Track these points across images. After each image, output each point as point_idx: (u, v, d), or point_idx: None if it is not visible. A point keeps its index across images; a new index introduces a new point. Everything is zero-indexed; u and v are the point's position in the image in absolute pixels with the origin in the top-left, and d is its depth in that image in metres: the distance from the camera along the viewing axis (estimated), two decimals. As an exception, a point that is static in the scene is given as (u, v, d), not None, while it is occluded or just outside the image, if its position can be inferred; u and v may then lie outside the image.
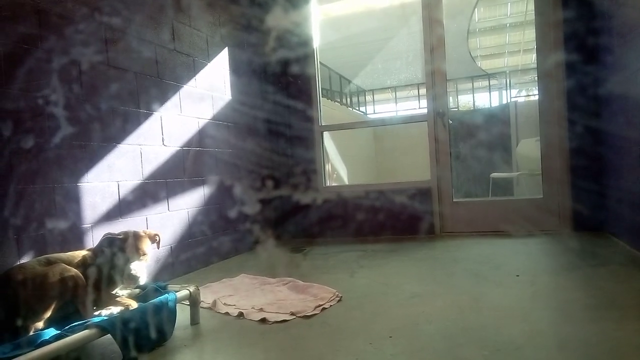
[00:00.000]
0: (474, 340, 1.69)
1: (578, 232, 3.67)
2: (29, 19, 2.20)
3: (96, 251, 1.97)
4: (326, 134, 4.75)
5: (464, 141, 7.73)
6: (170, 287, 2.13)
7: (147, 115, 2.93)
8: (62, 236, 2.30)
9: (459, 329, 1.81)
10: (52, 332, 1.63)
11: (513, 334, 1.71)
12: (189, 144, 3.30)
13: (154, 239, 2.10)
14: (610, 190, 3.42)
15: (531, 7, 9.04)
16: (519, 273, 2.60)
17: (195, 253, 3.30)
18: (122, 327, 1.68)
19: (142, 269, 1.97)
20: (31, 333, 1.65)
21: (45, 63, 2.26)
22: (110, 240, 1.97)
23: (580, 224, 3.68)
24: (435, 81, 4.10)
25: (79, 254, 1.95)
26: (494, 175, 6.79)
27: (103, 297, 1.90)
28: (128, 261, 1.94)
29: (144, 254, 1.99)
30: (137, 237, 2.01)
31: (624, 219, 3.12)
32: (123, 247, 1.96)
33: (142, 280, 1.96)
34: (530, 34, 11.15)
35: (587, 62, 3.57)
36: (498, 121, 7.69)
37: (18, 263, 1.98)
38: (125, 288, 2.01)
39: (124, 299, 1.93)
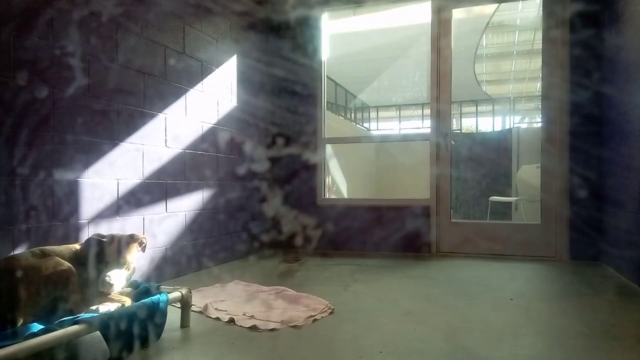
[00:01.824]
0: (465, 360, 1.68)
1: (574, 261, 3.66)
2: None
3: (83, 249, 1.94)
4: (328, 147, 4.77)
5: (465, 163, 7.75)
6: (163, 288, 2.11)
7: (152, 116, 2.94)
8: (58, 230, 2.30)
9: (451, 348, 1.79)
10: (40, 325, 1.61)
11: (504, 358, 1.70)
12: (191, 147, 3.30)
13: (141, 242, 2.03)
14: (608, 221, 3.43)
15: (539, 36, 9.14)
16: (514, 297, 2.58)
17: (190, 256, 3.28)
18: (111, 325, 1.66)
19: (118, 277, 1.88)
20: (19, 326, 1.63)
21: (52, 55, 2.28)
22: (93, 242, 1.91)
23: (576, 252, 3.67)
24: (440, 102, 4.13)
25: (73, 247, 1.94)
26: (493, 198, 6.79)
27: (96, 293, 1.87)
28: (107, 266, 1.87)
29: (125, 262, 1.91)
30: (122, 243, 1.93)
31: (621, 251, 3.12)
32: (104, 251, 1.89)
33: (116, 289, 1.87)
34: (537, 62, 11.26)
35: (592, 94, 3.60)
36: (500, 146, 7.72)
37: (11, 254, 1.96)
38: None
39: (118, 296, 1.91)
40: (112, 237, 1.95)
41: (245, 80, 4.01)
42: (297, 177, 4.47)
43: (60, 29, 2.31)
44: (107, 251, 1.90)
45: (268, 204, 4.34)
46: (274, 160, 4.44)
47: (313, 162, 4.44)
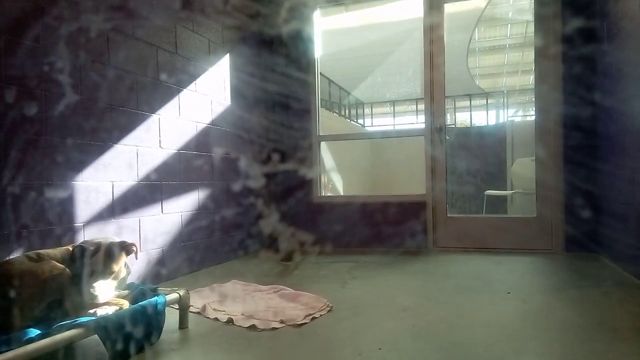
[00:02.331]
0: (463, 356, 1.68)
1: (570, 253, 3.68)
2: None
3: (72, 255, 1.89)
4: (323, 145, 4.76)
5: (459, 157, 7.77)
6: (160, 289, 2.10)
7: (145, 117, 2.92)
8: (54, 233, 2.28)
9: (449, 344, 1.80)
10: (37, 330, 1.61)
11: (503, 352, 1.71)
12: (186, 147, 3.29)
13: (129, 250, 1.95)
14: (603, 212, 3.45)
15: (531, 29, 9.17)
16: (511, 291, 2.59)
17: (187, 257, 3.27)
18: (109, 328, 1.65)
19: (103, 289, 1.82)
20: (17, 331, 1.62)
21: (45, 60, 2.26)
22: (80, 250, 1.86)
23: (572, 244, 3.69)
24: (434, 97, 4.13)
25: (67, 250, 1.92)
26: (489, 192, 6.82)
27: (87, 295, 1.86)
28: (93, 276, 1.81)
29: (112, 273, 1.85)
30: (109, 252, 1.86)
31: (616, 242, 3.14)
32: (90, 260, 1.83)
33: (101, 301, 1.81)
34: (529, 55, 11.29)
35: (584, 86, 3.61)
36: (494, 139, 7.74)
37: (7, 258, 1.95)
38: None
39: (115, 299, 1.89)
40: (98, 246, 1.87)
41: (238, 88, 4.00)
42: (293, 174, 4.46)
43: (53, 26, 2.29)
44: (92, 261, 1.83)
45: (265, 204, 4.33)
46: (270, 160, 4.43)
47: (308, 160, 4.44)
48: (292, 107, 4.48)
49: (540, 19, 3.88)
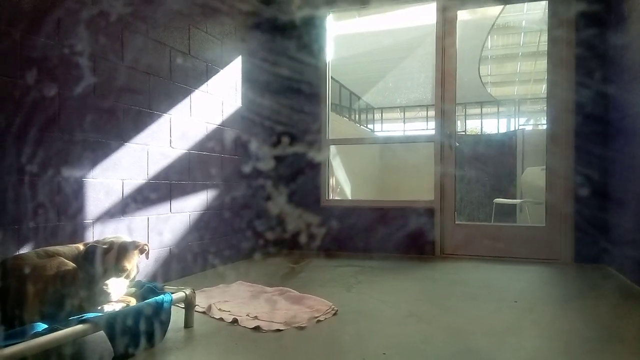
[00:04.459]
0: (468, 363, 1.67)
1: (579, 263, 3.64)
2: (50, 13, 2.23)
3: (83, 253, 1.90)
4: (332, 148, 4.77)
5: (469, 164, 7.73)
6: (167, 288, 2.12)
7: (157, 116, 2.95)
8: (63, 229, 2.31)
9: (454, 351, 1.79)
10: (45, 325, 1.62)
11: (508, 360, 1.70)
12: (196, 147, 3.31)
13: (142, 249, 1.98)
14: (613, 223, 3.41)
15: (544, 38, 9.12)
16: (518, 300, 2.57)
17: (194, 256, 3.29)
18: (115, 324, 1.67)
19: (116, 286, 1.83)
20: (25, 325, 1.63)
21: (59, 55, 2.29)
22: (92, 249, 1.87)
23: (581, 255, 3.66)
24: (445, 104, 4.12)
25: (76, 247, 1.94)
26: (498, 200, 6.77)
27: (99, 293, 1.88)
28: (105, 274, 1.83)
29: (124, 271, 1.86)
30: (122, 250, 1.88)
31: (625, 253, 3.10)
32: (103, 259, 1.84)
33: (113, 299, 1.82)
34: (542, 64, 11.22)
35: (597, 96, 3.59)
36: (505, 147, 7.70)
37: (15, 254, 1.97)
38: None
39: (122, 296, 1.90)
40: (111, 245, 1.89)
41: (250, 80, 4.02)
42: (301, 177, 4.47)
43: (67, 29, 2.32)
44: (105, 259, 1.85)
45: (272, 203, 4.35)
46: (278, 160, 4.44)
47: (317, 162, 4.44)
48: (303, 92, 4.47)
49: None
